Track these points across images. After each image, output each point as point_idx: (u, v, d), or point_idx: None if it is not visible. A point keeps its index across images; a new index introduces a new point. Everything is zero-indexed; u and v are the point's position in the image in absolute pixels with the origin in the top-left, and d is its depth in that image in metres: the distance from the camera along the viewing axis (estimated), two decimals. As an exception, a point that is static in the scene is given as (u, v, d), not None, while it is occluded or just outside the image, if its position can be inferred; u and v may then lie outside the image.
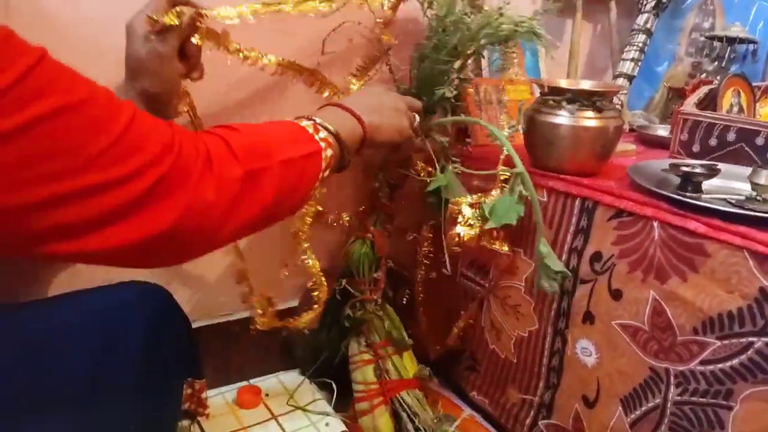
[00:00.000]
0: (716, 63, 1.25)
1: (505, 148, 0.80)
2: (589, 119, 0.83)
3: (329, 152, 0.65)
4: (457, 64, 0.87)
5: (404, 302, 1.05)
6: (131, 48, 0.66)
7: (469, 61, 0.93)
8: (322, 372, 1.02)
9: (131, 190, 0.46)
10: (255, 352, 1.03)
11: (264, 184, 0.56)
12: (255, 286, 0.95)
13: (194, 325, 0.76)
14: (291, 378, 1.06)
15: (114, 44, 0.77)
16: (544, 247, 0.79)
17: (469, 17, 0.83)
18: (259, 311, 0.92)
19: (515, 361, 0.95)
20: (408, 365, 0.93)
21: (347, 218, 0.98)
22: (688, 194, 0.75)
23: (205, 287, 0.98)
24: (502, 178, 0.81)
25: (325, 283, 0.92)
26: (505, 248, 0.84)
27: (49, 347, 0.58)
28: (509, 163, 0.81)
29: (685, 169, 0.77)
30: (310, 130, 0.65)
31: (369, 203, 0.97)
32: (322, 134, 0.65)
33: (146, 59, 0.66)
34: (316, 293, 0.92)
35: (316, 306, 0.92)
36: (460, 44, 0.82)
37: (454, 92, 0.85)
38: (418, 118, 0.83)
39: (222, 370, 1.01)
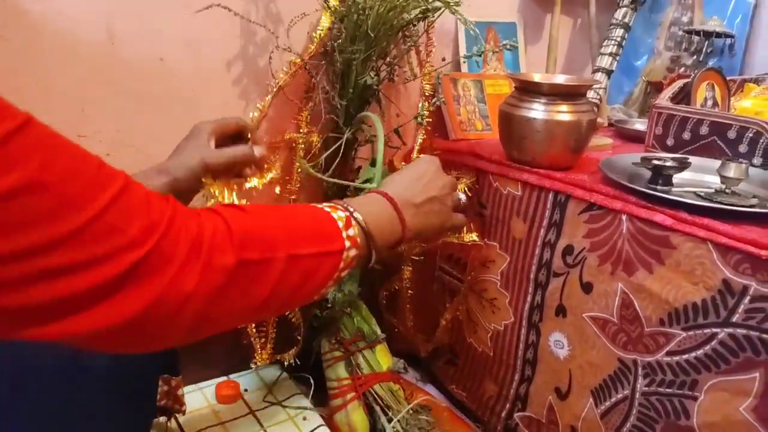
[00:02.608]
0: (695, 57, 1.26)
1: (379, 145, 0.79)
2: (563, 113, 0.83)
3: (353, 252, 0.58)
4: (378, 52, 0.85)
5: (384, 301, 1.05)
6: (188, 146, 0.71)
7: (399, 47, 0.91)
8: (300, 367, 1.02)
9: (100, 274, 0.41)
10: (233, 348, 1.03)
11: (260, 279, 0.50)
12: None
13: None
14: (270, 373, 1.06)
15: (88, 39, 0.77)
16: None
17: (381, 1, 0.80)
18: (259, 349, 0.92)
19: (492, 354, 0.96)
20: (381, 359, 0.93)
21: None
22: (658, 188, 0.76)
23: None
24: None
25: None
26: (474, 237, 0.85)
27: (20, 343, 0.58)
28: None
29: (655, 162, 0.78)
30: (341, 224, 0.57)
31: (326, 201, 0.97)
32: (353, 231, 0.58)
33: (194, 164, 0.69)
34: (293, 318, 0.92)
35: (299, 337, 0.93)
36: (372, 30, 0.80)
37: (375, 78, 0.84)
38: (463, 197, 0.77)
39: (200, 366, 1.01)
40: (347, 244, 0.57)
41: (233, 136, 0.77)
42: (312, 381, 0.99)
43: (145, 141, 0.86)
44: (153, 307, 0.44)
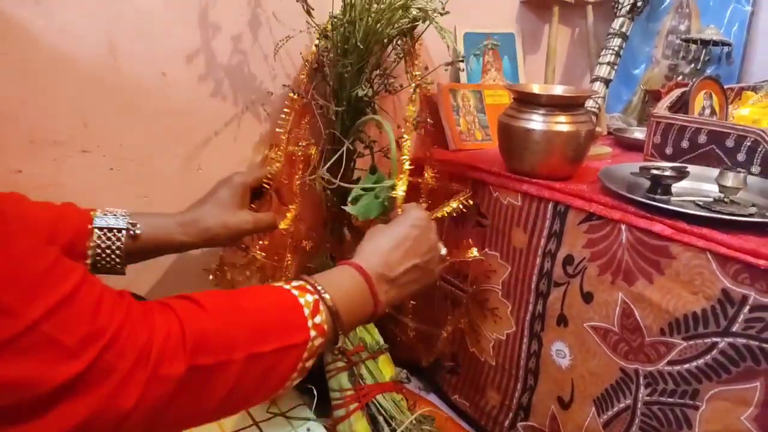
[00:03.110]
0: (692, 65, 1.27)
1: (391, 154, 0.77)
2: (561, 124, 0.84)
3: (318, 341, 0.54)
4: (372, 62, 0.86)
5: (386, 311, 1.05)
6: (220, 191, 0.76)
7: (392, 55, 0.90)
8: (303, 377, 1.02)
9: (34, 388, 0.39)
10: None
11: (214, 383, 0.48)
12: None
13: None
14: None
15: (89, 55, 0.78)
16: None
17: (367, 14, 0.80)
18: None
19: (494, 363, 0.96)
20: (384, 369, 0.93)
21: (308, 243, 0.97)
22: (657, 197, 0.76)
23: (192, 288, 0.98)
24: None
25: None
26: (475, 252, 0.85)
27: None
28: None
29: (654, 172, 0.78)
30: (307, 311, 0.54)
31: (326, 214, 0.97)
32: (319, 318, 0.55)
33: (212, 225, 0.74)
34: None
35: None
36: (362, 42, 0.81)
37: (367, 90, 0.84)
38: (444, 250, 0.73)
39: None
40: (312, 333, 0.54)
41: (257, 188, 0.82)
42: (315, 392, 0.99)
43: (148, 155, 0.87)
44: (89, 422, 0.41)
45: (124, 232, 0.68)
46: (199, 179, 0.89)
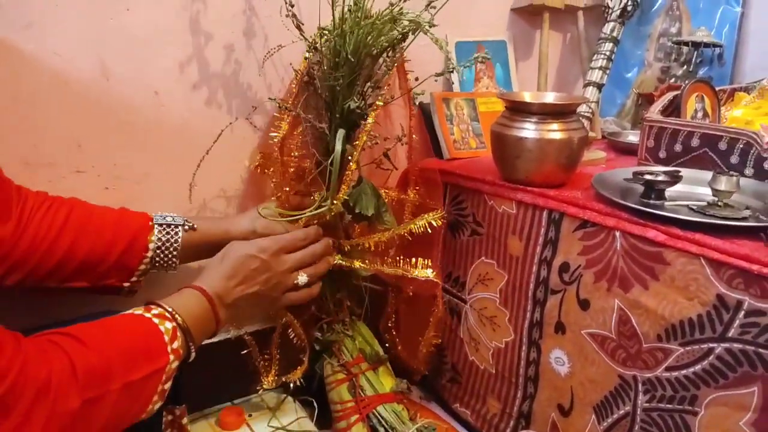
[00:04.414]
0: (684, 67, 1.27)
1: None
2: (554, 132, 0.84)
3: (175, 364, 0.61)
4: (363, 74, 0.86)
5: (379, 322, 1.05)
6: (245, 219, 0.83)
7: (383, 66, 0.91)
8: (304, 390, 1.02)
9: None
10: (237, 373, 1.03)
11: (98, 413, 0.53)
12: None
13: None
14: (274, 397, 1.06)
15: (82, 76, 0.78)
16: None
17: (357, 27, 0.81)
18: (264, 373, 0.93)
19: (494, 371, 0.96)
20: (384, 380, 0.93)
21: None
22: (650, 202, 0.76)
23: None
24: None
25: (301, 332, 0.93)
26: (429, 273, 0.88)
27: None
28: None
29: (647, 177, 0.79)
30: (167, 337, 0.61)
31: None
32: (177, 343, 0.62)
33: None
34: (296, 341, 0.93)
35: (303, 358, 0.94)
36: (353, 55, 0.82)
37: (360, 102, 0.85)
38: (303, 279, 0.80)
39: (204, 392, 1.01)
40: (171, 357, 0.60)
41: None
42: (316, 404, 0.99)
43: (143, 174, 0.87)
44: None
45: (180, 228, 0.77)
46: (193, 195, 0.89)
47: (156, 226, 0.76)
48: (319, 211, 0.84)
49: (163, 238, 0.76)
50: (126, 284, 0.75)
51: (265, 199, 0.94)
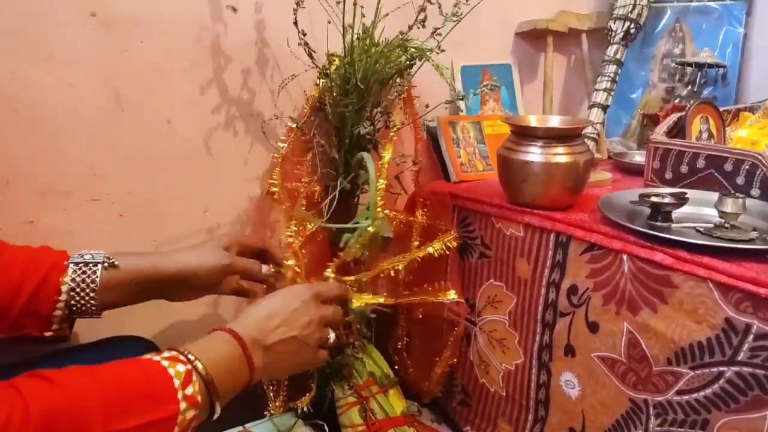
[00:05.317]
0: (689, 88, 1.28)
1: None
2: (559, 155, 0.85)
3: (190, 414, 0.52)
4: (372, 100, 0.88)
5: (389, 345, 1.06)
6: (191, 254, 0.74)
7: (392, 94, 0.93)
8: (315, 414, 1.02)
9: None
10: (246, 397, 1.04)
11: None
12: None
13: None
14: (284, 421, 1.06)
15: (93, 107, 0.81)
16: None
17: (366, 54, 0.83)
18: (272, 396, 0.93)
19: (504, 394, 0.96)
20: (395, 403, 0.93)
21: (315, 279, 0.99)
22: (657, 224, 0.77)
23: (196, 337, 1.00)
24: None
25: None
26: (453, 295, 0.89)
27: None
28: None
29: (654, 200, 0.79)
30: (178, 382, 0.52)
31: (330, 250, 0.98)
32: (191, 389, 0.53)
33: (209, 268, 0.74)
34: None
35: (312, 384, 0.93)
36: (362, 82, 0.83)
37: (369, 128, 0.87)
38: (333, 336, 0.73)
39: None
40: (183, 405, 0.51)
41: (256, 253, 0.83)
42: (327, 428, 0.99)
43: (156, 202, 0.89)
44: None
45: (99, 266, 0.66)
46: (206, 222, 0.91)
47: (71, 265, 0.65)
48: (362, 225, 0.82)
49: (78, 279, 0.65)
50: (47, 333, 0.65)
51: (277, 225, 0.95)
